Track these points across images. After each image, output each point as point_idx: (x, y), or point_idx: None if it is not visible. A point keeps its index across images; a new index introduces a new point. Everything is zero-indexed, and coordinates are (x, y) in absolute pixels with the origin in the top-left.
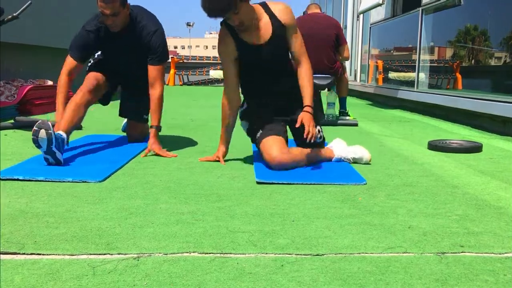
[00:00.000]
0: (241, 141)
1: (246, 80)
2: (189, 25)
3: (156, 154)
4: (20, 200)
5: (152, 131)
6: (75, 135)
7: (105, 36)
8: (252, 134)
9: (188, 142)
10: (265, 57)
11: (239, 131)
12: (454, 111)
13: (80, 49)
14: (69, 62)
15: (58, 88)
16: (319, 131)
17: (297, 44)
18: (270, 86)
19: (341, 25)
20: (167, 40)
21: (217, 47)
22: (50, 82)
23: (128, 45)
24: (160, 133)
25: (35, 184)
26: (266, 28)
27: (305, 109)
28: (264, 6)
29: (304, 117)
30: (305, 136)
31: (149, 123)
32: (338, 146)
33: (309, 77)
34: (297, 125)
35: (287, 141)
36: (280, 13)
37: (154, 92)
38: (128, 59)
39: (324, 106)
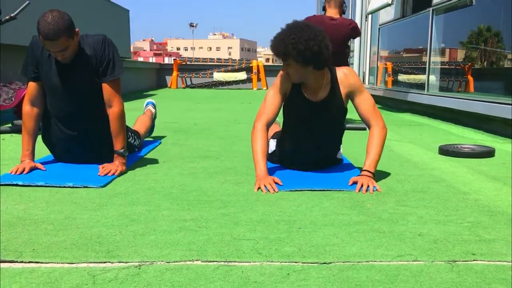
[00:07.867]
0: (243, 145)
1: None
2: (192, 26)
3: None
4: (18, 207)
5: (116, 158)
6: None
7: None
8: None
9: (191, 147)
10: (314, 112)
11: (240, 135)
12: (466, 115)
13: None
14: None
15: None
16: None
17: (362, 107)
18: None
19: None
20: (170, 41)
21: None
22: None
23: (81, 73)
24: (162, 137)
25: (33, 190)
26: (325, 90)
27: (363, 172)
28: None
29: (363, 180)
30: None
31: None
32: None
33: (379, 139)
34: (354, 186)
35: None
36: (342, 77)
37: (113, 111)
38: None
39: None
